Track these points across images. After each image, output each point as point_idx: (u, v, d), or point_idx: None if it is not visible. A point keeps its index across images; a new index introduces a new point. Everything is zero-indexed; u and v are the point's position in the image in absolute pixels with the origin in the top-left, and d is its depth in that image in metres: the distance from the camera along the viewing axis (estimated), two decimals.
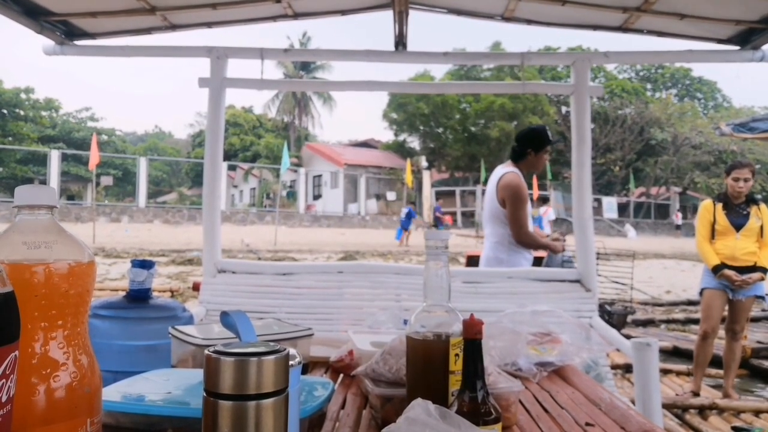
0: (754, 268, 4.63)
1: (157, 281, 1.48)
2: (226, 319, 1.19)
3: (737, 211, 4.72)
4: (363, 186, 34.66)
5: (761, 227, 4.66)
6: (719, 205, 4.79)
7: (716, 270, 4.67)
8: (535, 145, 3.64)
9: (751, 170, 4.78)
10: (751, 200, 4.75)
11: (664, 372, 5.50)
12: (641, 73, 44.00)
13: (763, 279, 4.65)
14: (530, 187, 25.29)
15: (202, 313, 2.77)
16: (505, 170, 3.65)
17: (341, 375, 1.62)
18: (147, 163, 30.65)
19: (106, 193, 33.60)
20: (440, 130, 36.33)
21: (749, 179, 4.72)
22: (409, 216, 24.16)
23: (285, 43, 42.11)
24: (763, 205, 4.75)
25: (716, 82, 47.67)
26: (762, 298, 4.87)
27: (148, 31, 3.24)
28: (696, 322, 7.39)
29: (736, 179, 4.74)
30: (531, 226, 3.71)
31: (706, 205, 4.91)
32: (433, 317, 1.08)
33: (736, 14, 2.86)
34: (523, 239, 3.54)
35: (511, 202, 3.53)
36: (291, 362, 0.71)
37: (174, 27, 3.19)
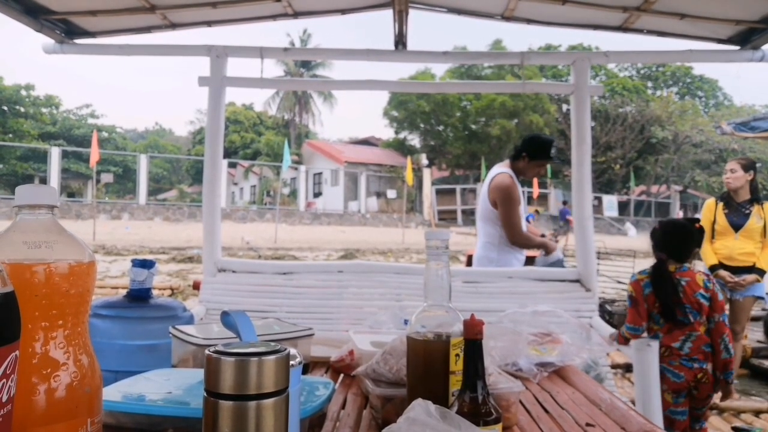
0: (751, 269, 4.61)
1: (157, 279, 1.48)
2: (226, 318, 1.19)
3: (739, 210, 4.69)
4: (363, 184, 34.65)
5: (764, 227, 4.63)
6: (720, 205, 4.77)
7: (712, 270, 4.67)
8: (531, 152, 3.63)
9: (741, 163, 4.74)
10: (754, 199, 4.72)
11: None
12: (642, 71, 43.90)
13: (759, 281, 4.63)
14: (530, 185, 25.30)
15: (202, 313, 2.77)
16: (499, 171, 3.67)
17: (342, 375, 1.62)
18: (147, 161, 30.64)
19: (107, 191, 33.59)
20: (441, 127, 36.30)
21: (736, 170, 4.68)
22: (563, 215, 24.28)
23: (285, 40, 42.13)
24: (767, 204, 4.71)
25: (717, 81, 47.54)
26: (762, 298, 4.85)
27: (148, 29, 3.24)
28: None
29: (725, 172, 4.75)
30: (524, 225, 3.72)
31: (708, 204, 4.91)
32: (434, 317, 1.08)
33: (736, 14, 2.86)
34: (517, 240, 3.56)
35: (502, 203, 3.55)
36: (291, 362, 0.71)
37: (174, 26, 3.20)
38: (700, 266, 4.64)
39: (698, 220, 3.41)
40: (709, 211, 4.81)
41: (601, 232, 23.59)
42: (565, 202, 28.12)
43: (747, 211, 4.67)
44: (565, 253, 5.13)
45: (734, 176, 4.67)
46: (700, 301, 2.98)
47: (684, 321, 2.98)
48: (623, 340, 3.02)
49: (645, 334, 3.02)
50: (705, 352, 2.97)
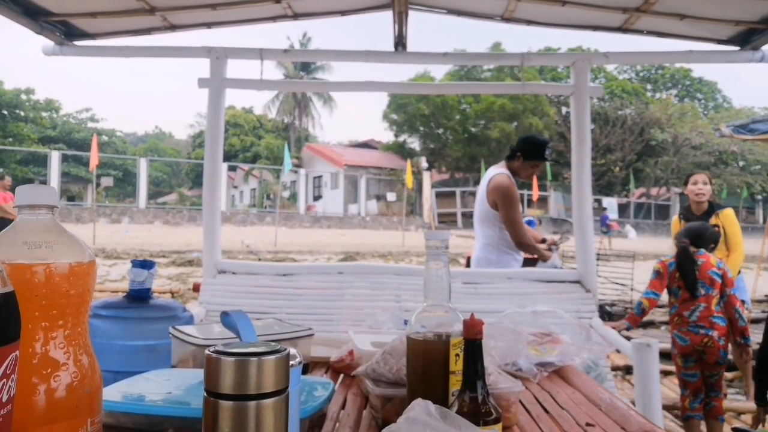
0: None
1: (157, 282, 1.48)
2: (226, 319, 1.19)
3: None
4: (363, 187, 34.65)
5: (724, 234, 4.67)
6: (683, 222, 4.84)
7: None
8: (525, 152, 3.64)
9: (708, 176, 4.88)
10: (711, 211, 4.78)
11: (665, 373, 5.50)
12: (641, 74, 43.95)
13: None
14: (530, 187, 25.22)
15: (202, 314, 2.77)
16: (496, 171, 3.67)
17: (342, 375, 1.62)
18: (147, 164, 30.66)
19: (107, 194, 33.57)
20: (440, 130, 36.32)
21: (707, 183, 4.78)
22: (604, 220, 24.56)
23: (285, 44, 42.12)
24: (724, 212, 4.77)
25: (716, 83, 47.51)
26: (743, 301, 4.89)
27: (147, 31, 3.24)
28: None
29: (695, 182, 4.80)
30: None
31: (674, 222, 5.02)
32: (434, 317, 1.08)
33: (736, 15, 2.86)
34: (520, 240, 3.55)
35: (503, 204, 3.54)
36: (291, 362, 0.71)
37: (173, 27, 3.20)
38: None
39: (716, 226, 4.27)
40: (675, 229, 4.88)
41: (600, 234, 23.63)
42: (604, 208, 28.56)
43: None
44: (564, 254, 5.13)
45: (706, 188, 4.77)
46: (713, 278, 3.63)
47: (697, 294, 3.64)
48: (634, 320, 3.80)
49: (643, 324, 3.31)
50: (711, 321, 3.59)
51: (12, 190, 12.79)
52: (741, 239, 4.70)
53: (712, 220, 4.71)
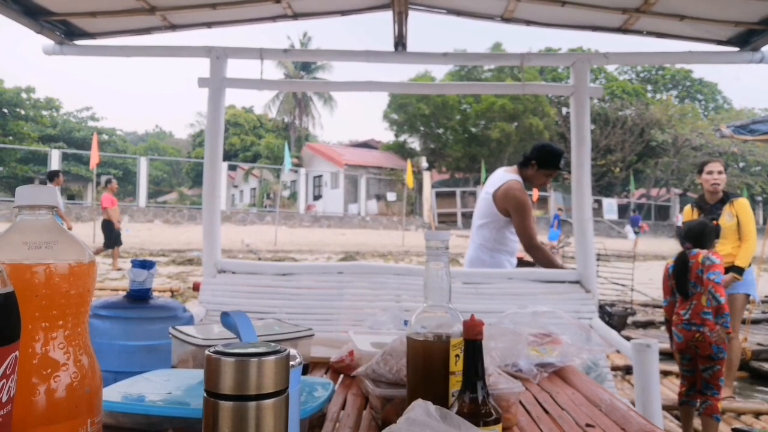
0: (729, 269, 4.60)
1: (157, 281, 1.49)
2: (226, 319, 1.19)
3: (713, 213, 4.72)
4: (363, 186, 34.64)
5: (737, 224, 4.65)
6: (696, 211, 4.81)
7: None
8: (540, 160, 3.57)
9: (722, 164, 4.87)
10: (725, 199, 4.75)
11: (664, 373, 5.50)
12: (642, 75, 43.94)
13: (737, 279, 4.63)
14: (529, 187, 25.34)
15: (202, 314, 2.77)
16: (508, 177, 3.59)
17: (341, 375, 1.62)
18: (147, 163, 30.64)
19: None
20: (440, 130, 36.30)
21: (722, 171, 4.77)
22: (636, 221, 24.79)
23: (285, 44, 42.10)
24: (739, 201, 4.74)
25: (717, 84, 47.49)
26: (750, 296, 4.88)
27: (147, 31, 3.24)
28: None
29: (710, 172, 4.76)
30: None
31: (686, 211, 5.01)
32: (434, 318, 1.08)
33: (736, 15, 2.86)
34: (533, 253, 3.49)
35: (516, 212, 3.46)
36: (291, 363, 0.71)
37: (174, 27, 3.20)
38: None
39: (714, 219, 4.35)
40: (687, 219, 4.86)
41: (600, 235, 23.62)
42: (634, 210, 28.74)
43: (719, 212, 4.69)
44: (565, 254, 5.12)
45: (721, 177, 4.74)
46: (699, 275, 3.80)
47: (690, 294, 3.86)
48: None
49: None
50: (702, 317, 3.77)
51: (117, 194, 12.82)
52: (754, 228, 4.69)
53: (726, 209, 4.68)
